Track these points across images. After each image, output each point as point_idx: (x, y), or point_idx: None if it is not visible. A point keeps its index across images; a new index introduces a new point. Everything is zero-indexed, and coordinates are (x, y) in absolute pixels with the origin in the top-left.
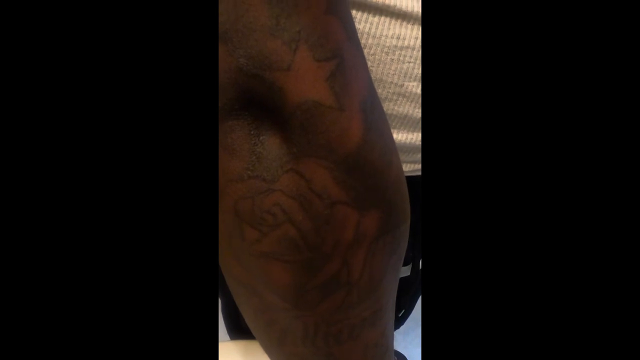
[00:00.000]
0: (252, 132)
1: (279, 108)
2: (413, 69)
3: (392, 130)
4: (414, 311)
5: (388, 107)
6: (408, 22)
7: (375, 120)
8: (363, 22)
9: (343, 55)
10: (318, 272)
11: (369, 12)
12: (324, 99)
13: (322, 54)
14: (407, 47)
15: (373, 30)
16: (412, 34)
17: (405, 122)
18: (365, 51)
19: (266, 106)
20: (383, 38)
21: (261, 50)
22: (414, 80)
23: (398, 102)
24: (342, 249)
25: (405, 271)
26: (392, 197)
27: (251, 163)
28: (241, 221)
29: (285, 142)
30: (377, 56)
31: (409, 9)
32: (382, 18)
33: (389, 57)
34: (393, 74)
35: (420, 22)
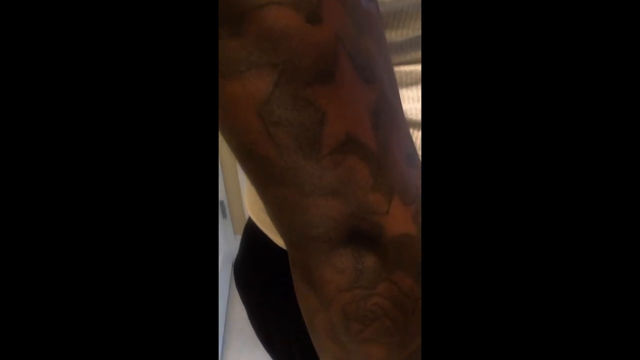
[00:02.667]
0: (355, 255)
1: (378, 239)
2: None
3: None
4: None
5: None
6: None
7: None
8: None
9: (421, 197)
10: (407, 347)
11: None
12: (411, 231)
13: (409, 199)
14: None
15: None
16: None
17: None
18: None
19: (367, 237)
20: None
21: (366, 201)
22: None
23: None
24: None
25: None
26: None
27: (355, 277)
28: (348, 320)
29: (380, 260)
30: None
31: None
32: (416, 132)
33: None
34: None
35: None
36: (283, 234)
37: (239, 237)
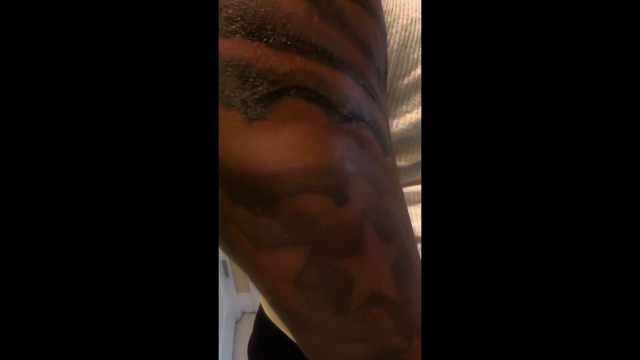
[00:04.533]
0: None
1: None
2: None
3: None
4: None
5: None
6: None
7: None
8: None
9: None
10: None
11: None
12: None
13: None
14: None
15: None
16: None
17: None
18: None
19: None
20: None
21: (390, 343)
22: None
23: None
24: None
25: None
26: None
27: None
28: None
29: None
30: None
31: None
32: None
33: None
34: None
35: None
36: None
37: (242, 295)
